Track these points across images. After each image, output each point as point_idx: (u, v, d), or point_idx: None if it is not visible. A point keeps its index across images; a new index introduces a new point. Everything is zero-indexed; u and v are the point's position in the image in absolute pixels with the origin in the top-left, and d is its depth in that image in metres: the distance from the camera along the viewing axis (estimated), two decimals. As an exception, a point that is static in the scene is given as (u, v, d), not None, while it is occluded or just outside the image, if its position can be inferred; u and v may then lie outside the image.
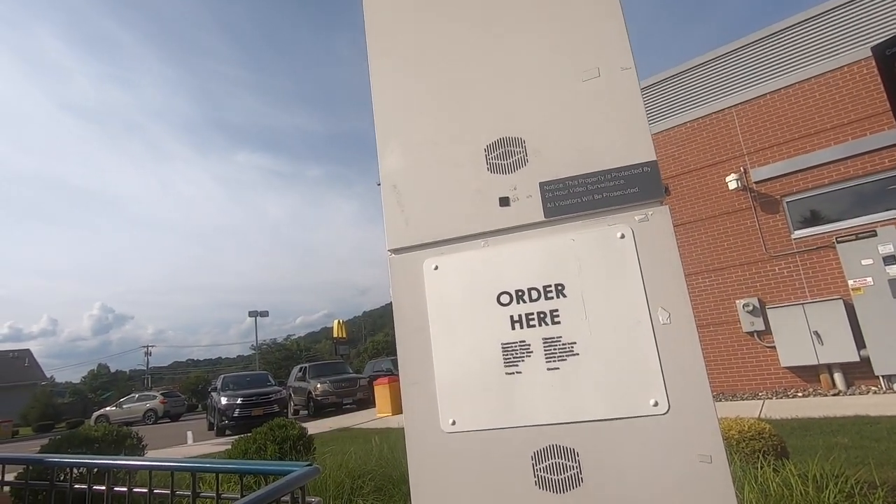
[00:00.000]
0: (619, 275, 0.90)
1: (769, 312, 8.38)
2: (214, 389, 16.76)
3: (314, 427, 10.41)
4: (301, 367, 19.13)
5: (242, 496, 1.43)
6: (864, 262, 7.45)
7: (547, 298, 0.93)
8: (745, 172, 9.01)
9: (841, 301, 7.70)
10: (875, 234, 7.44)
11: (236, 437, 5.42)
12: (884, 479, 2.95)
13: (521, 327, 0.93)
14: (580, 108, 0.98)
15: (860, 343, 7.43)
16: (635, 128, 0.94)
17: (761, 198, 8.83)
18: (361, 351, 55.46)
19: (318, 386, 16.35)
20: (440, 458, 0.94)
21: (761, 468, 3.01)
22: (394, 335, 1.03)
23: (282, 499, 1.32)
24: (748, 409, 6.72)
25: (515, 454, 0.90)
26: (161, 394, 31.41)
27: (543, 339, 0.92)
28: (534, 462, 0.88)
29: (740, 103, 9.23)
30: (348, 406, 16.77)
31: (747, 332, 8.70)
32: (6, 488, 2.27)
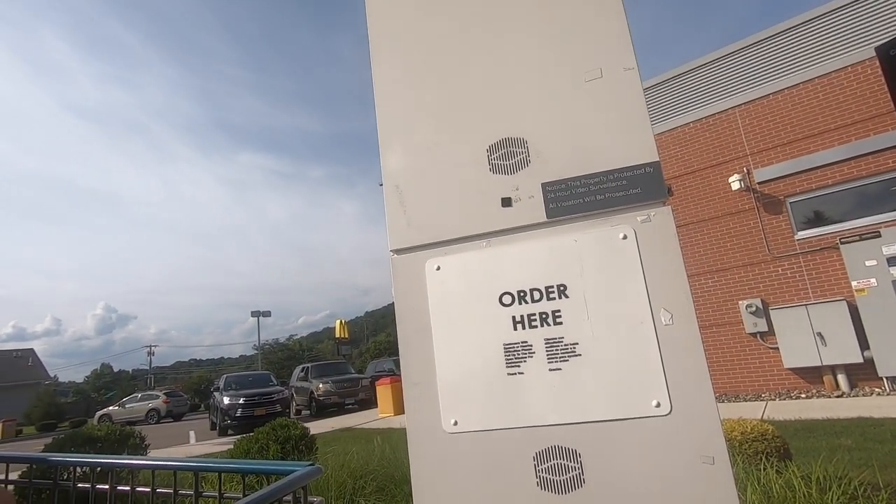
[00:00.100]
0: (621, 275, 0.90)
1: (772, 313, 8.35)
2: (217, 389, 16.79)
3: (316, 427, 10.42)
4: (303, 368, 19.15)
5: (245, 496, 1.43)
6: (867, 263, 7.42)
7: (549, 299, 0.93)
8: (749, 173, 8.99)
9: (844, 302, 7.67)
10: (879, 235, 7.41)
11: (238, 436, 5.42)
12: (887, 482, 2.94)
13: (524, 328, 0.93)
14: (583, 108, 0.98)
15: (864, 344, 7.40)
16: (638, 128, 0.94)
17: (764, 198, 8.80)
18: (364, 351, 55.49)
19: (321, 386, 16.36)
20: (442, 459, 0.94)
21: (764, 470, 3.00)
22: (396, 335, 1.03)
23: (284, 498, 1.32)
24: (751, 411, 6.70)
25: (517, 455, 0.90)
26: (164, 393, 31.50)
27: (545, 339, 0.92)
28: (536, 463, 0.88)
29: (743, 104, 9.20)
30: (350, 406, 16.78)
31: (750, 334, 8.67)
32: (10, 487, 2.28)
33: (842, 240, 7.78)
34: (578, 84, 0.99)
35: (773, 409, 6.93)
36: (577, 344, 0.90)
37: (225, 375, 18.28)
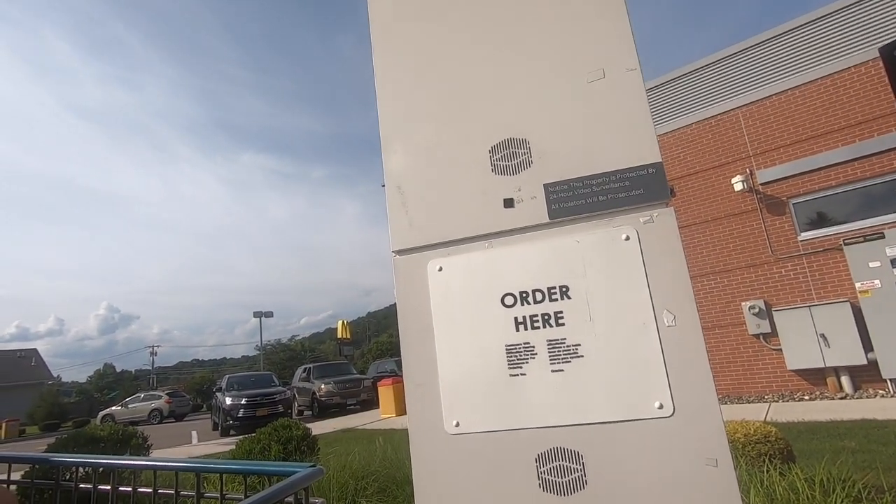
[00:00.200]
0: (624, 277, 0.90)
1: (775, 315, 8.33)
2: (219, 389, 16.82)
3: (318, 428, 10.42)
4: (305, 368, 19.17)
5: (246, 496, 1.43)
6: (871, 264, 7.39)
7: (551, 300, 0.93)
8: (751, 174, 8.96)
9: (848, 303, 7.65)
10: (883, 237, 7.38)
11: (240, 437, 5.43)
12: (891, 484, 2.93)
13: (526, 329, 0.93)
14: (585, 109, 0.97)
15: (867, 346, 7.36)
16: (640, 129, 0.94)
17: (767, 199, 8.78)
18: (366, 352, 55.52)
19: (323, 387, 16.37)
20: (444, 460, 0.94)
21: (767, 472, 2.99)
22: (398, 336, 1.02)
23: (285, 500, 1.32)
24: (754, 413, 6.68)
25: (520, 456, 0.89)
26: (166, 394, 31.56)
27: (548, 340, 0.91)
28: (538, 464, 0.88)
29: (746, 104, 9.18)
30: (352, 407, 16.79)
31: (753, 335, 8.65)
32: (13, 487, 2.29)
33: (845, 241, 7.75)
34: (581, 85, 0.98)
35: (776, 410, 6.91)
36: (579, 345, 0.89)
37: (227, 376, 18.31)
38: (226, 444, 10.38)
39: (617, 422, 0.85)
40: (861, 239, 7.58)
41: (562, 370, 0.90)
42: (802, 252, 8.36)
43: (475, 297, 0.98)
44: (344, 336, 24.67)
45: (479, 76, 1.07)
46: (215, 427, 16.25)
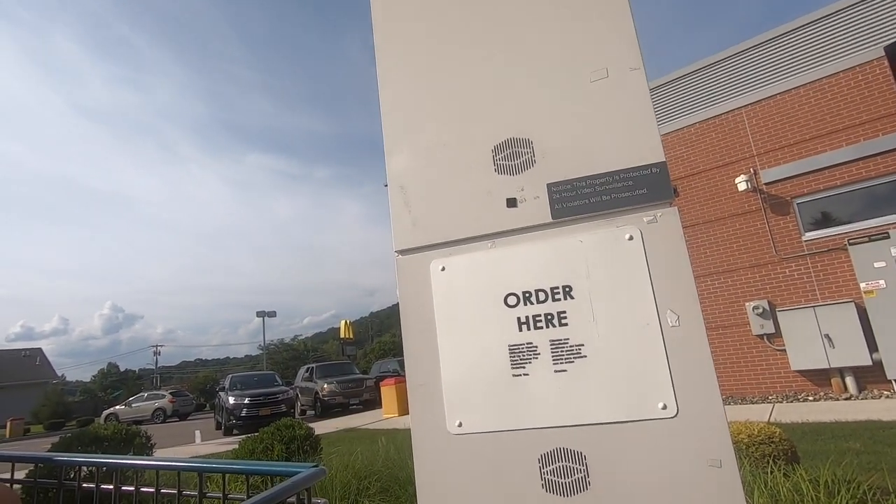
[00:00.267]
0: (627, 276, 0.89)
1: (779, 315, 8.29)
2: (222, 389, 16.87)
3: (321, 427, 10.44)
4: (308, 368, 19.21)
5: (249, 496, 1.43)
6: (876, 264, 7.35)
7: (554, 300, 0.92)
8: (755, 174, 8.93)
9: (853, 304, 7.61)
10: (888, 237, 7.35)
11: (243, 436, 5.44)
12: (897, 485, 2.91)
13: (529, 329, 0.93)
14: (588, 108, 0.97)
15: (872, 346, 7.33)
16: (644, 128, 0.93)
17: (771, 199, 8.74)
18: (368, 352, 55.58)
19: (325, 386, 16.40)
20: (447, 460, 0.93)
21: (771, 473, 2.98)
22: (400, 336, 1.02)
23: (288, 500, 1.32)
24: (758, 413, 6.65)
25: (522, 457, 0.89)
26: (170, 393, 31.70)
27: (551, 340, 0.91)
28: (541, 465, 0.88)
29: (750, 104, 9.15)
30: (355, 406, 16.81)
31: (757, 335, 8.62)
32: (16, 486, 2.30)
33: (850, 241, 7.72)
34: (584, 84, 0.98)
35: (780, 411, 6.88)
36: (582, 345, 0.89)
37: (230, 375, 18.36)
38: (229, 444, 10.41)
39: (620, 422, 0.85)
40: (866, 239, 7.55)
41: (565, 370, 0.89)
42: (807, 252, 8.32)
43: (478, 296, 0.98)
44: (347, 336, 24.72)
45: (481, 76, 1.06)
46: (218, 426, 16.31)
